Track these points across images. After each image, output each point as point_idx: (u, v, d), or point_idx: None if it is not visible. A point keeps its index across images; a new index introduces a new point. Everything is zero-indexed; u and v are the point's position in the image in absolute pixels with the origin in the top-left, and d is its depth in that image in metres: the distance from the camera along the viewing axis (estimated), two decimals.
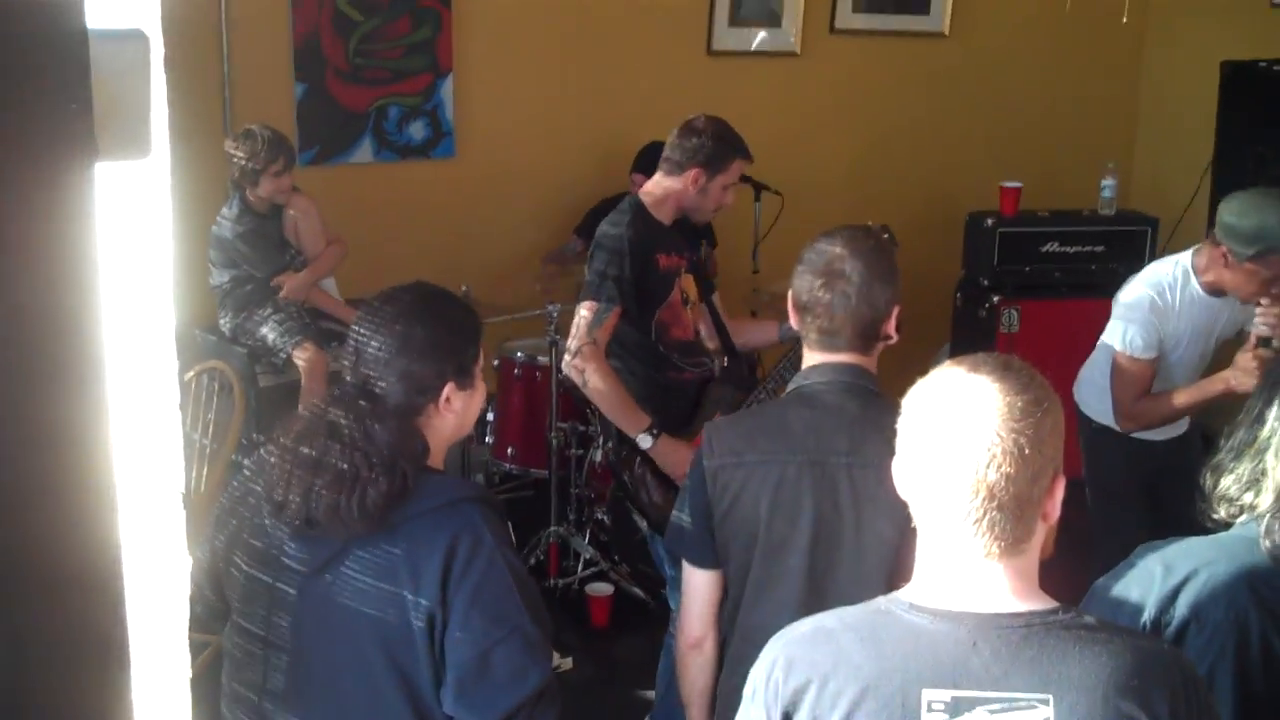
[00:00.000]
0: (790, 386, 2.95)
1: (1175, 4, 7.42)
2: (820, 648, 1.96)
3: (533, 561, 5.64)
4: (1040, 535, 1.94)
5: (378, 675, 2.41)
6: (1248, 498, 2.40)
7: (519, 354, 5.83)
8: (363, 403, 2.47)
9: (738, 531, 2.85)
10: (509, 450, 5.88)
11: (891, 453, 2.00)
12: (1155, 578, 2.36)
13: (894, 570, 2.66)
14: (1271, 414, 2.40)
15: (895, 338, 2.91)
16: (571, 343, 4.16)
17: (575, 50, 6.71)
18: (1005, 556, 1.90)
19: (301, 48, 6.23)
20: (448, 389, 2.51)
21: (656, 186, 4.34)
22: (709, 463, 2.87)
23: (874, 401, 2.83)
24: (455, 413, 2.54)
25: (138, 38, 1.06)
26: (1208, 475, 2.48)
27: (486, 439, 6.00)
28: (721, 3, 6.93)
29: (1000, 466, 1.85)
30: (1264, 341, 4.13)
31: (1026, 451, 1.86)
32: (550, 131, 6.73)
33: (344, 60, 6.31)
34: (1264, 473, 2.38)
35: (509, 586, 2.39)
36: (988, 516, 1.87)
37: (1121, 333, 4.51)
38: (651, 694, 4.49)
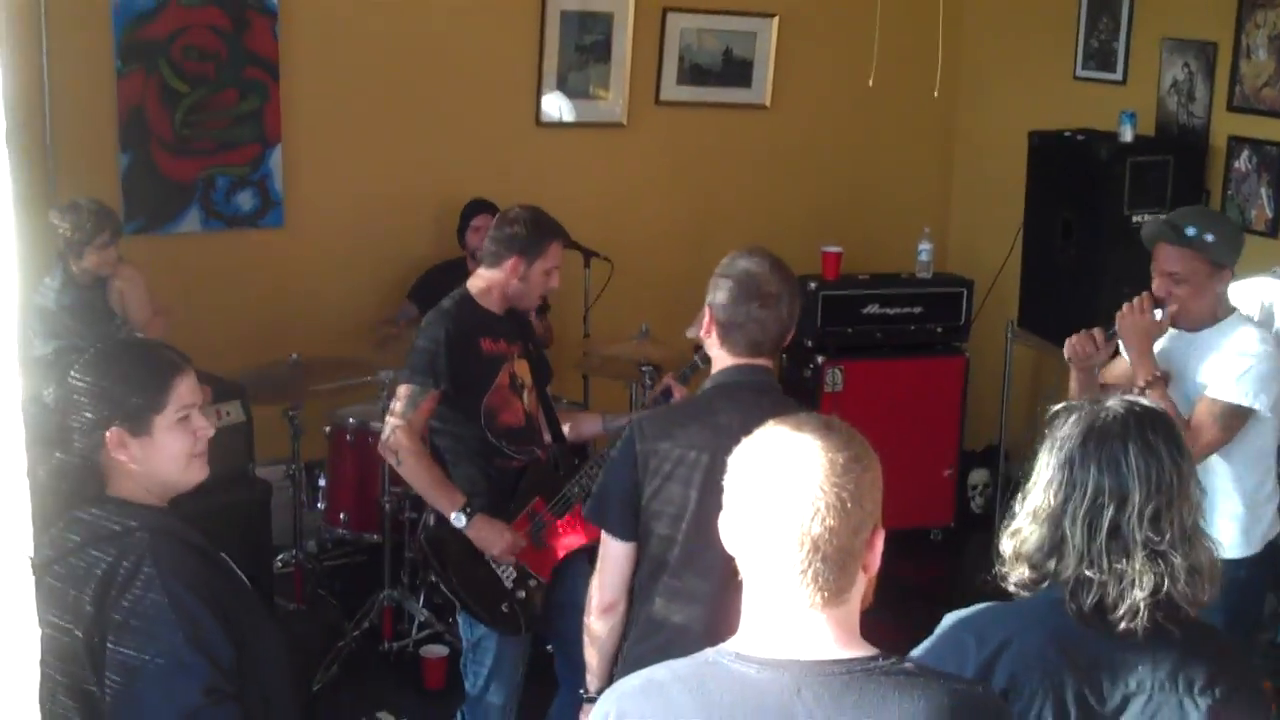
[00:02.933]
0: (711, 383, 3.31)
1: (985, 75, 7.71)
2: (651, 700, 2.00)
3: (366, 625, 5.63)
4: (861, 586, 2.01)
5: (59, 693, 2.54)
6: (1050, 564, 2.46)
7: (350, 420, 5.83)
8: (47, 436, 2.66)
9: (664, 508, 3.23)
10: (341, 515, 5.86)
11: None
12: (969, 649, 2.42)
13: None
14: (1063, 479, 2.45)
15: (788, 342, 3.34)
16: (386, 426, 4.26)
17: (405, 120, 6.76)
18: (828, 606, 1.96)
19: (126, 119, 6.19)
20: (113, 434, 2.62)
21: (480, 279, 4.40)
22: (640, 447, 3.25)
23: (783, 399, 3.25)
24: (134, 459, 2.65)
25: None
26: (1007, 540, 2.53)
27: (319, 504, 5.99)
28: (549, 74, 7.05)
29: (824, 520, 1.92)
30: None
31: (848, 505, 1.93)
32: (381, 199, 6.76)
33: (170, 131, 6.29)
34: (1063, 539, 2.43)
35: (164, 611, 2.50)
36: (812, 568, 1.93)
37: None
38: None
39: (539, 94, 7.06)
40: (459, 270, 6.64)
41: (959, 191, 8.00)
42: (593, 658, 3.40)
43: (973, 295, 7.03)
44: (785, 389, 6.80)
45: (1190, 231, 4.04)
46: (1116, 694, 2.40)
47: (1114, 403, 2.51)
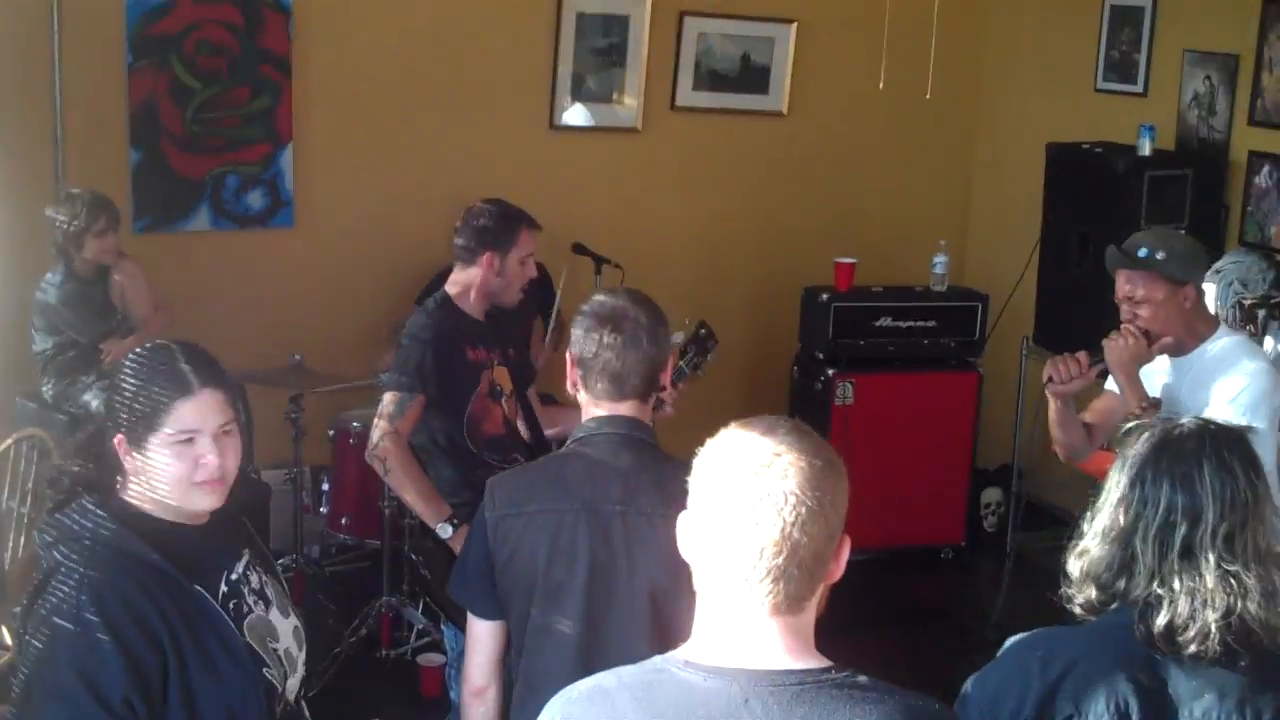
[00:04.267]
0: (572, 438, 3.04)
1: (1005, 85, 7.64)
2: (596, 707, 1.96)
3: (364, 632, 5.58)
4: (818, 595, 1.96)
5: None
6: (1120, 584, 2.41)
7: (355, 424, 5.77)
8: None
9: (518, 580, 2.93)
10: (343, 520, 5.82)
11: (664, 501, 2.02)
12: (1033, 674, 2.37)
13: (667, 614, 2.75)
14: (1135, 497, 2.41)
15: (669, 390, 3.07)
16: (374, 432, 4.19)
17: (418, 122, 6.71)
18: (788, 614, 1.91)
19: (137, 114, 6.16)
20: (117, 440, 2.57)
21: (457, 281, 4.37)
22: (490, 515, 2.96)
23: (648, 452, 2.95)
24: (134, 469, 2.58)
25: None
26: (1074, 561, 2.48)
27: (321, 509, 5.94)
28: (563, 79, 6.99)
29: (804, 525, 1.87)
30: None
31: (827, 512, 1.89)
32: (391, 202, 6.71)
33: (181, 127, 6.25)
34: (1134, 558, 2.40)
35: (66, 631, 2.42)
36: (785, 574, 1.88)
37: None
38: None
39: (553, 97, 7.01)
40: None
41: (977, 204, 7.92)
42: None
43: (988, 310, 6.94)
44: (795, 401, 6.89)
45: (1141, 253, 4.03)
46: None
47: (1188, 420, 2.48)
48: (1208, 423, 2.47)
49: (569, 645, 2.89)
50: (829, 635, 1.99)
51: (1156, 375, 4.12)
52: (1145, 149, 6.27)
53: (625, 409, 2.98)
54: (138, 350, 2.63)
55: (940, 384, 6.88)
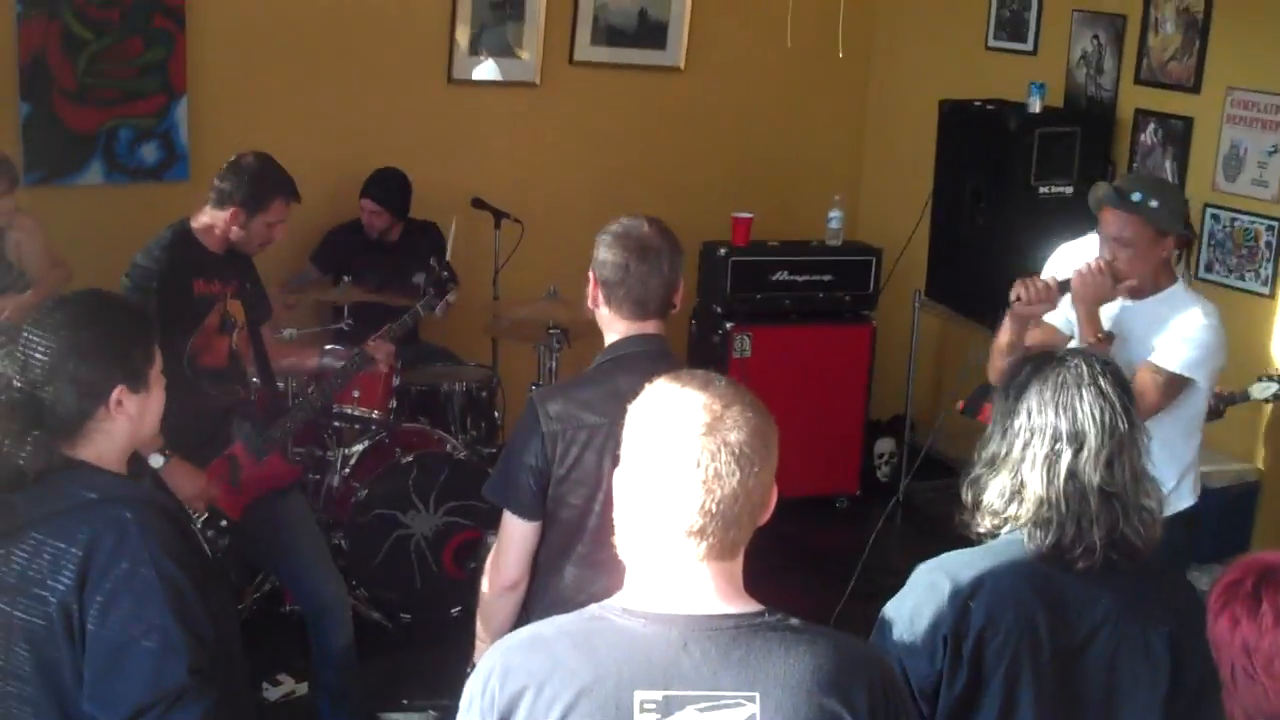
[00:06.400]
0: (606, 356, 3.29)
1: (898, 43, 7.74)
2: (536, 655, 2.01)
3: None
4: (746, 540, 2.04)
5: (27, 673, 2.47)
6: (1011, 509, 2.58)
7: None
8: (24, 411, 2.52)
9: (577, 486, 3.22)
10: None
11: None
12: (943, 589, 2.53)
13: None
14: (1019, 426, 2.58)
15: (678, 307, 3.30)
16: None
17: (313, 75, 6.66)
18: (720, 560, 1.99)
19: (27, 66, 6.04)
20: (117, 392, 2.56)
21: (206, 215, 4.46)
22: (548, 428, 3.21)
23: (679, 365, 3.14)
24: (129, 416, 2.60)
25: None
26: (967, 490, 2.65)
27: None
28: (461, 32, 6.97)
29: (758, 475, 1.97)
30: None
31: (771, 460, 1.99)
32: (286, 156, 6.56)
33: (72, 80, 6.15)
34: (1022, 484, 2.56)
35: (152, 587, 2.43)
36: (736, 522, 1.97)
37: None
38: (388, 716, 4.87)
39: (451, 51, 6.98)
40: (361, 230, 6.57)
41: (871, 159, 8.03)
42: (485, 635, 3.35)
43: (881, 264, 7.07)
44: (692, 354, 6.98)
45: (1136, 197, 4.04)
46: (1084, 627, 2.53)
47: (1069, 353, 2.65)
48: (1087, 354, 2.63)
49: None
50: None
51: (1105, 314, 4.16)
52: (1035, 106, 6.40)
53: (650, 327, 3.27)
54: (83, 309, 2.63)
55: (835, 336, 7.01)
